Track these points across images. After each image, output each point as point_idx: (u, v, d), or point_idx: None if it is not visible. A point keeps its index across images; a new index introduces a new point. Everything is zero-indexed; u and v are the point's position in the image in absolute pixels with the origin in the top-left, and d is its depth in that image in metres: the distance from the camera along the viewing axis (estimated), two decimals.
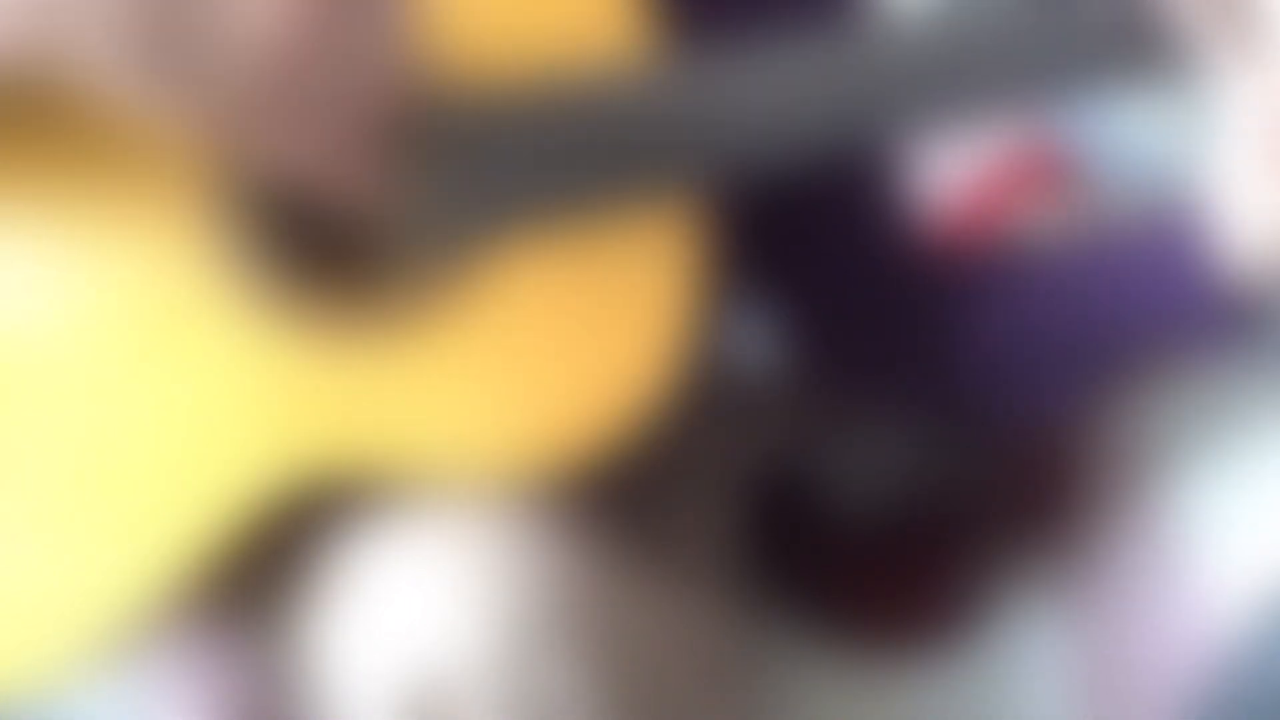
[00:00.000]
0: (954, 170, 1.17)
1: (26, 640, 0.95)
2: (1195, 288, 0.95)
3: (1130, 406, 1.11)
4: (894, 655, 1.12)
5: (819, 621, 1.12)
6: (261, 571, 1.00)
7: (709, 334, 1.02)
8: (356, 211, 0.89)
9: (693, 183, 0.89)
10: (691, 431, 1.04)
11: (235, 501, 0.93)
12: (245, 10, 0.85)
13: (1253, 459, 1.07)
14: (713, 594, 0.99)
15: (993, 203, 1.14)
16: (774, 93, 0.88)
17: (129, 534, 0.93)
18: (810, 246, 1.00)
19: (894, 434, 1.10)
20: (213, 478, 0.92)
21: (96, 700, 1.07)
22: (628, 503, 0.98)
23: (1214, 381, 1.09)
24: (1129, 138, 1.16)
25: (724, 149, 0.89)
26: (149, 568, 0.94)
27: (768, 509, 1.12)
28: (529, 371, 0.91)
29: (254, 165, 0.86)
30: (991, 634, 1.12)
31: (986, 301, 0.99)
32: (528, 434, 0.91)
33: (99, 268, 0.92)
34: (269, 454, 0.92)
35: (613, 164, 0.89)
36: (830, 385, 1.03)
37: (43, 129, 0.91)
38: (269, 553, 0.99)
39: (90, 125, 0.90)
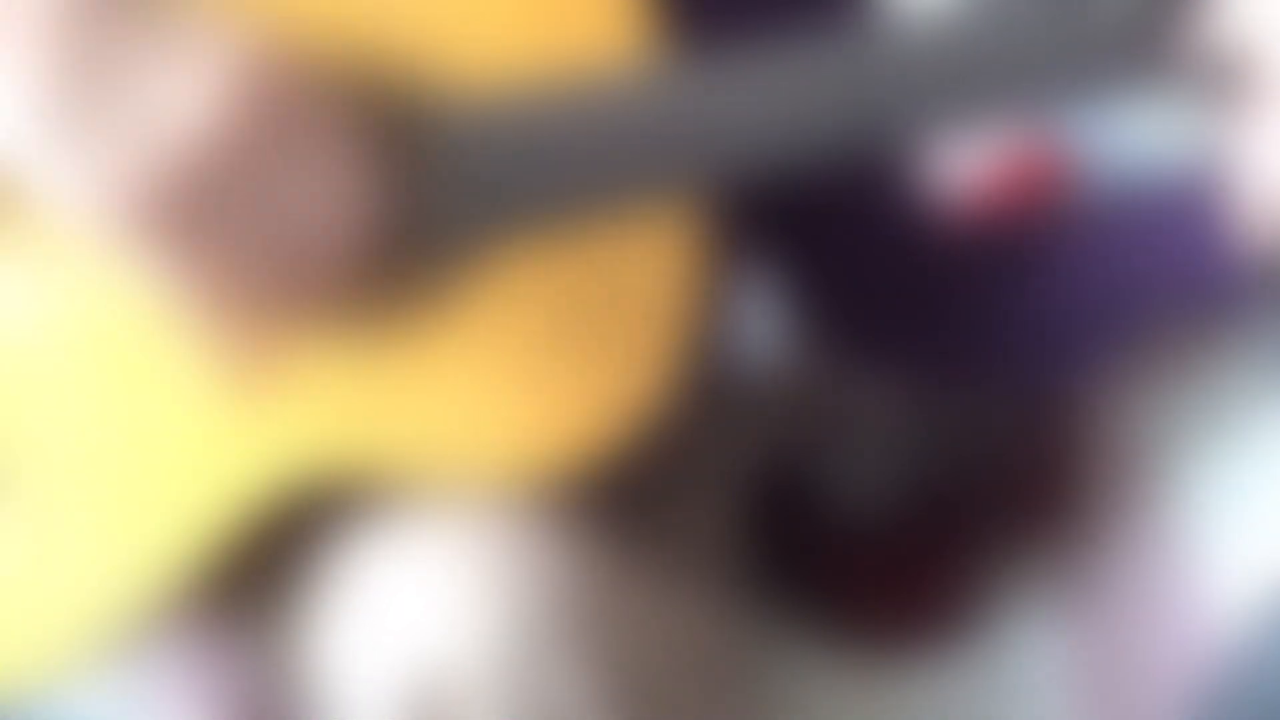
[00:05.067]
0: (958, 172, 1.17)
1: (26, 640, 0.95)
2: (1212, 260, 0.95)
3: (1131, 406, 1.11)
4: (895, 655, 1.12)
5: (820, 621, 1.12)
6: (262, 571, 1.00)
7: (711, 336, 1.02)
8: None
9: (695, 185, 0.89)
10: (694, 432, 1.04)
11: (236, 501, 0.93)
12: (175, 99, 0.77)
13: (1254, 458, 1.07)
14: (714, 593, 0.99)
15: (996, 205, 1.14)
16: (777, 96, 0.88)
17: (130, 534, 0.93)
18: (818, 243, 1.00)
19: (896, 433, 1.11)
20: (214, 477, 0.92)
21: (96, 700, 1.07)
22: (629, 503, 0.98)
23: (1215, 377, 1.09)
24: (1134, 141, 1.16)
25: (726, 152, 0.89)
26: (149, 567, 0.94)
27: (769, 509, 1.12)
28: (531, 372, 0.91)
29: (152, 265, 0.78)
30: (992, 634, 1.12)
31: (992, 285, 0.99)
32: (530, 434, 0.91)
33: (99, 268, 0.92)
34: (271, 453, 0.92)
35: (615, 167, 0.89)
36: (842, 372, 1.03)
37: None
38: (270, 553, 1.00)
39: None
